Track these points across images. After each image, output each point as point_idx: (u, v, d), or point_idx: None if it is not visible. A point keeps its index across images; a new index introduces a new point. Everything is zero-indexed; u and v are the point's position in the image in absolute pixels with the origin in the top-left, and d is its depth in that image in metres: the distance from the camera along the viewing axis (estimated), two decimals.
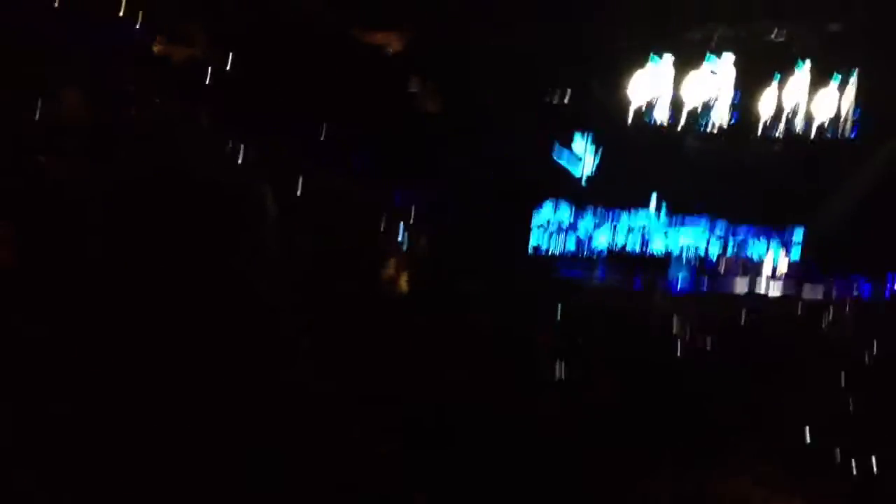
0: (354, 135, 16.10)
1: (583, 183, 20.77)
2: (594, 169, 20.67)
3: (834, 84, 21.38)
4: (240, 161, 12.46)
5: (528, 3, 17.85)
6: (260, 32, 15.86)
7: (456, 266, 11.87)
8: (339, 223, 12.60)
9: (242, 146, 13.18)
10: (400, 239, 13.22)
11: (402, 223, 13.94)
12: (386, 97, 17.08)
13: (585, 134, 20.45)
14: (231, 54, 15.63)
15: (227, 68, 15.70)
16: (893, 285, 19.54)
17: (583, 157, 20.67)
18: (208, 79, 15.34)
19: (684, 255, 21.91)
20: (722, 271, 21.26)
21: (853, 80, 21.39)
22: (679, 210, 21.56)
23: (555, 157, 20.40)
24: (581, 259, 20.74)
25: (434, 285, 10.22)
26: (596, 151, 20.55)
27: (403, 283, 8.53)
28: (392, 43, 17.50)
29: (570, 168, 20.63)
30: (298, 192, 13.01)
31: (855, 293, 19.34)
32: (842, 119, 21.60)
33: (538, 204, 20.57)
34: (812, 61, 21.26)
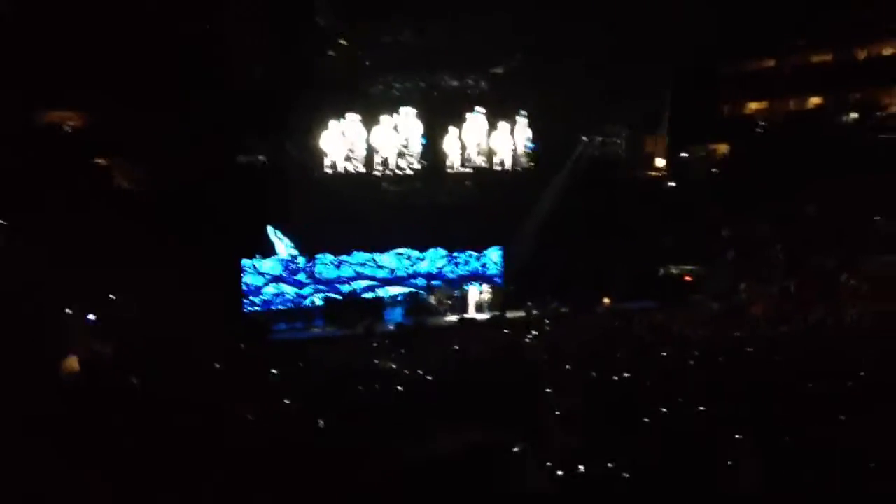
0: (39, 217, 15.39)
1: (287, 258, 21.24)
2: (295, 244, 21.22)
3: (507, 122, 23.35)
4: None
5: (213, 71, 17.99)
6: None
7: (163, 335, 11.62)
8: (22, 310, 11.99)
9: None
10: (93, 318, 12.72)
11: (97, 301, 13.44)
12: (70, 175, 16.46)
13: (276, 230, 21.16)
14: None
15: None
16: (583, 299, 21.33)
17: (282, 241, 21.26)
18: None
19: (397, 295, 22.93)
20: (434, 305, 22.27)
21: (523, 118, 23.44)
22: (385, 250, 22.74)
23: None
24: (296, 313, 20.98)
25: (143, 357, 10.00)
26: (294, 233, 21.18)
27: (98, 359, 8.18)
28: (72, 121, 16.96)
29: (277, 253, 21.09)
30: None
31: (551, 309, 20.88)
32: (518, 152, 23.51)
33: (247, 264, 20.64)
34: (486, 104, 23.15)
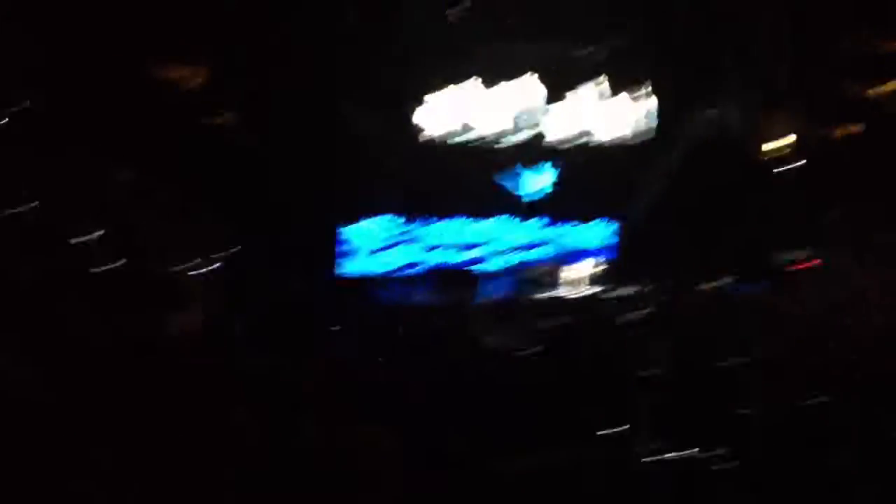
0: (159, 172, 15.73)
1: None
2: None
3: (627, 93, 22.69)
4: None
5: (326, 30, 18.01)
6: (58, 70, 15.29)
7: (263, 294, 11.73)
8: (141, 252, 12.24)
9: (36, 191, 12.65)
10: (196, 274, 12.89)
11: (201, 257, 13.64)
12: (189, 132, 16.79)
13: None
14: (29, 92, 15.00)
15: (25, 105, 15.04)
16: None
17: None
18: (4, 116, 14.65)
19: (505, 265, 22.63)
20: (542, 278, 21.93)
21: (644, 89, 22.72)
22: (486, 217, 22.22)
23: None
24: (399, 279, 20.94)
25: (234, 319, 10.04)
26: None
27: (191, 324, 8.16)
28: (191, 77, 17.22)
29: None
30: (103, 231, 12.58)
31: (669, 291, 20.25)
32: (637, 124, 22.86)
33: (348, 225, 20.65)
34: (608, 73, 22.53)
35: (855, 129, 24.78)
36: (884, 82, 25.38)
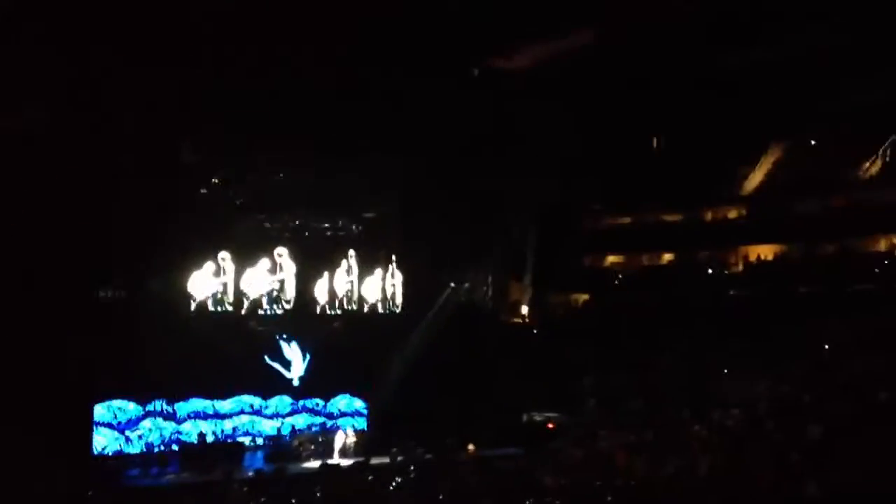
0: None
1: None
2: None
3: (378, 266, 23.63)
4: None
5: (82, 206, 17.62)
6: None
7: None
8: None
9: None
10: None
11: None
12: None
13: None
14: None
15: None
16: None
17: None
18: None
19: (260, 438, 22.12)
20: (296, 449, 21.62)
21: (393, 262, 23.81)
22: (249, 391, 21.98)
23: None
24: (151, 457, 19.89)
25: None
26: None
27: None
28: None
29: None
30: None
31: (417, 457, 20.55)
32: (387, 296, 23.77)
33: (99, 403, 19.56)
34: (358, 247, 23.40)
35: (593, 296, 27.36)
36: (609, 255, 28.48)
